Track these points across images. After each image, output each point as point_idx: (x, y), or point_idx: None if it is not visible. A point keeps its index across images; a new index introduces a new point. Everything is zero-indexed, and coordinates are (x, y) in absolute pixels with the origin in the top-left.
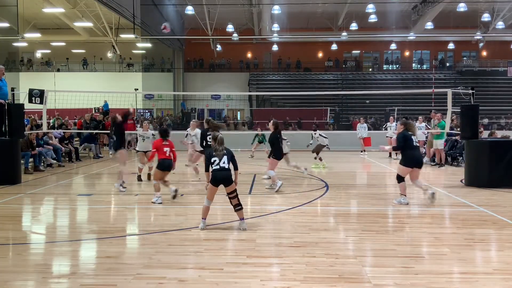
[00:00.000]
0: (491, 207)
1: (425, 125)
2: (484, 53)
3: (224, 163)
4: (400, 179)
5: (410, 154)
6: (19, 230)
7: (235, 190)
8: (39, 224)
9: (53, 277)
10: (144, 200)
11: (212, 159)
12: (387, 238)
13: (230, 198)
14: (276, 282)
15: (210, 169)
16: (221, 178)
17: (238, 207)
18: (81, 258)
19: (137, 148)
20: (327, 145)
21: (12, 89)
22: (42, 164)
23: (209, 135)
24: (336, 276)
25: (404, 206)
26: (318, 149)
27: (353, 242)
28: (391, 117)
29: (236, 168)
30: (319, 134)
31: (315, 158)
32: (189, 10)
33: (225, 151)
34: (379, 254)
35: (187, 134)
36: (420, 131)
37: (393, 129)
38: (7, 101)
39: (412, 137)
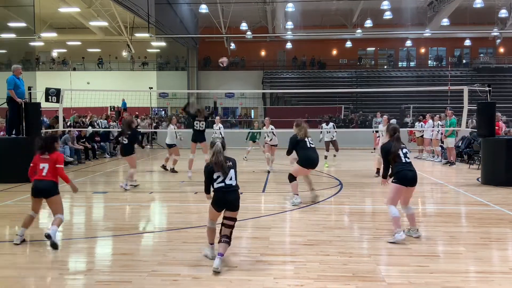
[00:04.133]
0: (507, 206)
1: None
2: (502, 50)
3: (231, 179)
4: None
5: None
6: (36, 227)
7: (236, 219)
8: None
9: (69, 274)
10: (158, 198)
11: (215, 175)
12: None
13: (224, 225)
14: (289, 280)
15: (211, 189)
16: (227, 201)
17: (226, 238)
18: (96, 255)
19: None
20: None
21: (29, 88)
22: None
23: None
24: (350, 274)
25: (420, 205)
26: (336, 146)
27: (367, 241)
28: (378, 113)
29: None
30: (333, 125)
31: (335, 155)
32: (203, 8)
33: (230, 163)
34: (394, 253)
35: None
36: (429, 129)
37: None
38: (24, 100)
39: (307, 138)
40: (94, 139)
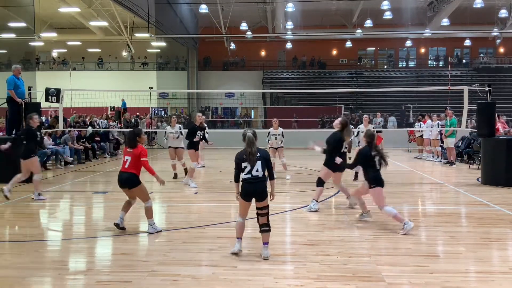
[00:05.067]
0: (507, 206)
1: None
2: (502, 50)
3: (257, 171)
4: (320, 183)
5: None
6: (36, 227)
7: (268, 206)
8: (55, 221)
9: (70, 274)
10: (158, 198)
11: (243, 165)
12: (402, 236)
13: (258, 215)
14: (289, 280)
15: (240, 178)
16: (253, 191)
17: (265, 227)
18: (97, 255)
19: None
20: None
21: (29, 88)
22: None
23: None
24: (350, 274)
25: (420, 205)
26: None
27: (367, 241)
28: (378, 113)
29: (272, 177)
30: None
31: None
32: (203, 8)
33: (259, 154)
34: (394, 253)
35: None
36: (428, 129)
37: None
38: (24, 100)
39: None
40: (94, 139)
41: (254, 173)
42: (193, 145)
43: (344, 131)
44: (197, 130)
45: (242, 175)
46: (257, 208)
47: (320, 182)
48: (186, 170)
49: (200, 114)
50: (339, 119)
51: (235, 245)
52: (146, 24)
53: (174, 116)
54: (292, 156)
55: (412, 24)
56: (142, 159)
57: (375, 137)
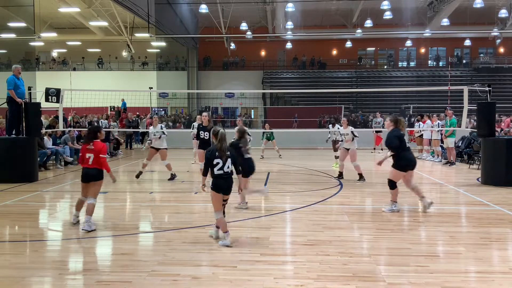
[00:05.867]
0: (507, 206)
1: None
2: (502, 50)
3: (228, 167)
4: (392, 184)
5: (405, 156)
6: (36, 227)
7: (227, 198)
8: (55, 221)
9: (69, 274)
10: (158, 198)
11: (215, 161)
12: (402, 236)
13: (222, 206)
14: (289, 280)
15: (211, 173)
16: (226, 186)
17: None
18: (97, 255)
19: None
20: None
21: (29, 88)
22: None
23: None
24: (350, 274)
25: (420, 205)
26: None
27: (367, 241)
28: (378, 112)
29: (238, 172)
30: (338, 128)
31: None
32: (203, 8)
33: (229, 152)
34: (394, 253)
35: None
36: (428, 129)
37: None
38: (24, 100)
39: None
40: None
41: (225, 169)
42: (203, 145)
43: (399, 125)
44: (202, 130)
45: (215, 171)
46: (223, 200)
47: (392, 184)
48: (172, 175)
49: (205, 114)
50: (389, 118)
51: (226, 240)
52: (146, 24)
53: (155, 116)
54: (292, 156)
55: (412, 24)
56: (101, 155)
57: (400, 120)
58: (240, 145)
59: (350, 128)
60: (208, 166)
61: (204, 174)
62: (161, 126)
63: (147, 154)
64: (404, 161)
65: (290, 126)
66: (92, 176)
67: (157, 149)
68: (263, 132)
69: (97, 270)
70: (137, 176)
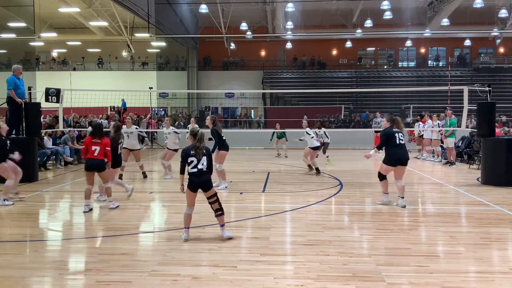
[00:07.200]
0: (507, 206)
1: (438, 123)
2: (502, 50)
3: (202, 165)
4: (381, 177)
5: (394, 152)
6: (36, 227)
7: (215, 194)
8: (55, 221)
9: (70, 274)
10: (158, 198)
11: (189, 160)
12: (402, 236)
13: (210, 203)
14: (289, 280)
15: (186, 171)
16: (199, 183)
17: (218, 212)
18: (97, 255)
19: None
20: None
21: (29, 88)
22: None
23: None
24: (350, 274)
25: (420, 205)
26: (325, 148)
27: (367, 241)
28: (378, 112)
29: (211, 171)
30: (324, 132)
31: (327, 156)
32: (203, 8)
33: (204, 151)
34: (394, 253)
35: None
36: (429, 129)
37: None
38: (24, 100)
39: (397, 134)
40: None
41: (199, 166)
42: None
43: (395, 125)
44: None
45: (189, 169)
46: (207, 198)
47: (381, 177)
48: (144, 174)
49: (208, 117)
50: (385, 118)
51: (184, 234)
52: (146, 24)
53: (129, 117)
54: (292, 156)
55: (412, 24)
56: (107, 148)
57: (396, 120)
58: (115, 139)
59: (323, 129)
60: (183, 164)
61: (181, 172)
62: (135, 127)
63: (161, 154)
64: (393, 157)
65: (291, 126)
66: (96, 166)
67: (131, 150)
68: (273, 132)
69: (97, 270)
70: (145, 176)
